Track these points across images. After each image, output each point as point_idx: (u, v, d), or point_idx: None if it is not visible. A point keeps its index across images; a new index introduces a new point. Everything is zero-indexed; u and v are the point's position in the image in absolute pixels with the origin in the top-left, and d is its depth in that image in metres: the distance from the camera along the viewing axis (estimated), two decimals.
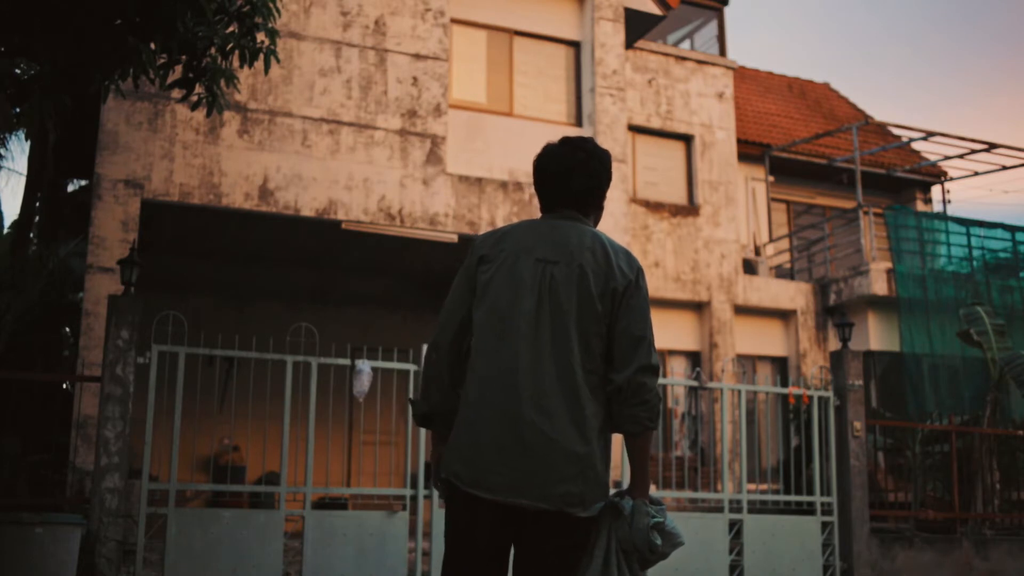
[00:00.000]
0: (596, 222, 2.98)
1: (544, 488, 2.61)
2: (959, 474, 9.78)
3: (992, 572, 9.34)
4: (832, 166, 16.77)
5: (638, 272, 2.80)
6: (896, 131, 17.91)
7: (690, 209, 14.78)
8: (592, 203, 2.94)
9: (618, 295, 2.73)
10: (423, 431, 7.46)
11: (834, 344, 14.13)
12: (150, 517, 6.77)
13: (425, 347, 7.78)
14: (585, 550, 2.72)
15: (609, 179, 2.97)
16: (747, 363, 13.84)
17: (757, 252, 16.01)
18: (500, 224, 11.12)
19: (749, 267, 15.50)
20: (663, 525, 2.74)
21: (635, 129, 14.68)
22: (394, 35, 11.20)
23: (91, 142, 10.10)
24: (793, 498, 8.64)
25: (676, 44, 16.52)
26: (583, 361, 2.69)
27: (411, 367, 7.56)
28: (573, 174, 2.89)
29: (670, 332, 14.38)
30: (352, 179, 10.61)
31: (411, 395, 7.07)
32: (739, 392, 8.57)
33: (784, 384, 13.05)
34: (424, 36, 11.33)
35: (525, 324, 2.70)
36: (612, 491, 2.84)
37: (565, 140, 2.97)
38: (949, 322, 13.89)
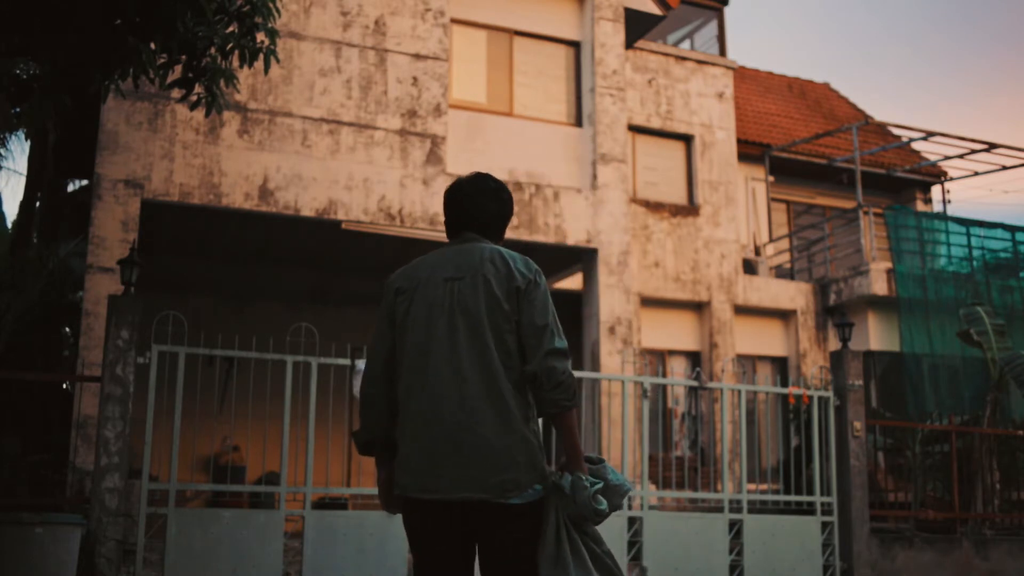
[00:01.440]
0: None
1: (480, 480, 2.85)
2: (959, 474, 9.78)
3: (992, 572, 9.34)
4: (832, 166, 16.76)
5: (536, 272, 3.06)
6: (896, 131, 17.91)
7: (690, 209, 14.78)
8: (496, 229, 3.25)
9: (521, 292, 2.98)
10: None
11: (834, 344, 14.13)
12: (150, 517, 6.77)
13: None
14: (538, 536, 2.91)
15: (511, 210, 3.30)
16: (747, 363, 13.84)
17: (757, 252, 16.01)
18: None
19: (749, 267, 15.50)
20: (605, 486, 2.93)
21: (635, 129, 14.68)
22: (394, 35, 11.20)
23: (91, 142, 10.10)
24: (793, 498, 8.64)
25: (676, 44, 16.52)
26: (500, 358, 2.94)
27: None
28: (478, 200, 3.20)
29: (670, 332, 14.39)
30: (352, 179, 10.61)
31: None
32: (739, 392, 8.57)
33: (784, 384, 13.05)
34: (424, 36, 11.33)
35: (442, 337, 2.97)
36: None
37: (474, 173, 3.30)
38: (949, 322, 13.88)
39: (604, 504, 2.90)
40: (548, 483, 2.94)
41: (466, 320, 2.95)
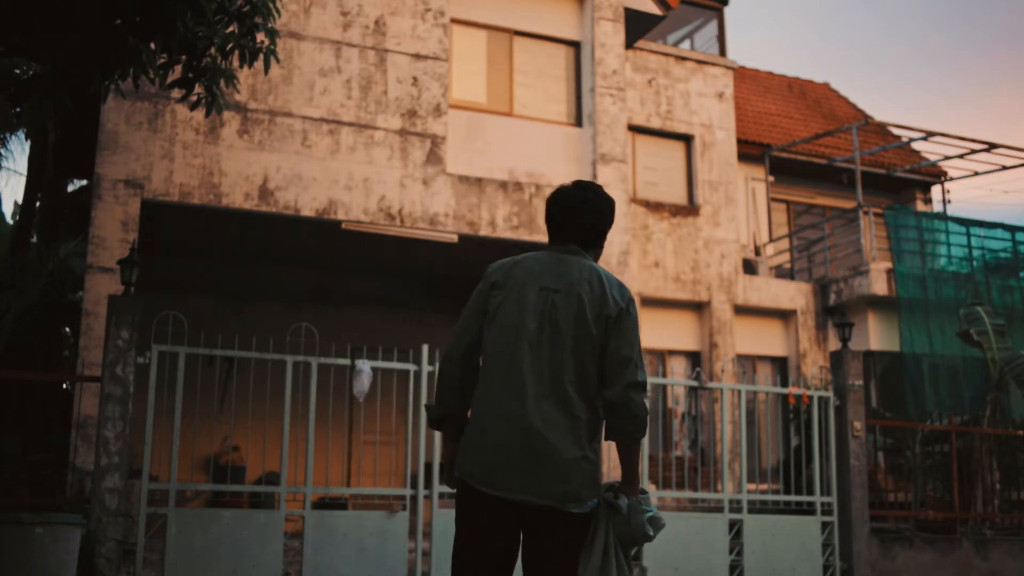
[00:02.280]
0: (596, 258, 3.31)
1: (545, 486, 2.98)
2: (959, 474, 9.78)
3: (992, 572, 9.34)
4: (832, 166, 16.76)
5: (629, 301, 3.15)
6: (896, 131, 17.90)
7: (690, 209, 14.78)
8: (594, 239, 3.29)
9: (611, 320, 3.09)
10: (423, 431, 7.51)
11: (834, 344, 14.12)
12: (150, 517, 6.77)
13: (425, 347, 7.82)
14: (583, 543, 3.08)
15: (612, 221, 3.33)
16: (747, 363, 13.84)
17: (757, 252, 16.01)
18: (500, 224, 11.13)
19: (749, 267, 15.50)
20: (653, 515, 3.15)
21: (635, 129, 14.67)
22: (394, 35, 11.20)
23: (91, 142, 10.10)
24: (793, 498, 8.65)
25: (676, 44, 16.52)
26: (577, 377, 3.06)
27: (411, 367, 7.56)
28: (580, 211, 3.25)
29: (670, 332, 14.37)
30: (352, 179, 10.61)
31: (413, 397, 7.33)
32: (739, 392, 8.57)
33: (784, 384, 13.04)
34: (424, 36, 11.33)
35: (529, 344, 3.07)
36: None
37: (577, 182, 3.34)
38: (949, 322, 13.88)
39: (652, 531, 3.12)
40: (603, 500, 3.11)
41: (553, 333, 3.07)
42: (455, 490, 3.21)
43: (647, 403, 3.10)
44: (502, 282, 3.18)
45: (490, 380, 3.11)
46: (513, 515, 3.04)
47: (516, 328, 3.09)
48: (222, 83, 6.15)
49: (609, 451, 9.44)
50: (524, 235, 11.21)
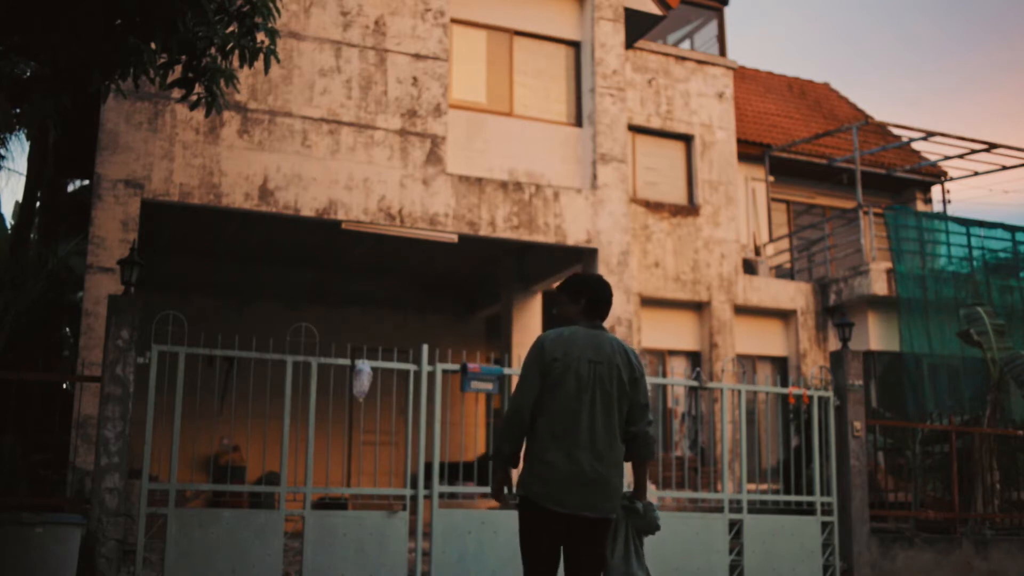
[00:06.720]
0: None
1: (597, 505, 4.25)
2: (959, 474, 9.78)
3: (992, 572, 9.34)
4: (832, 166, 16.76)
5: (643, 365, 4.55)
6: (896, 131, 17.90)
7: (690, 209, 14.78)
8: (607, 316, 4.64)
9: (635, 380, 4.43)
10: (423, 431, 7.52)
11: (834, 344, 14.13)
12: (150, 517, 6.77)
13: (425, 347, 7.84)
14: (609, 536, 4.38)
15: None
16: (747, 363, 13.83)
17: (757, 252, 16.01)
18: (500, 224, 11.13)
19: (749, 267, 15.50)
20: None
21: (635, 129, 14.67)
22: (394, 35, 11.19)
23: (91, 142, 10.10)
24: (793, 498, 8.64)
25: (676, 44, 16.52)
26: (618, 423, 4.35)
27: (411, 367, 7.56)
28: (610, 305, 4.60)
29: (670, 332, 14.38)
30: (352, 179, 10.61)
31: (413, 397, 7.25)
32: (739, 392, 8.58)
33: (784, 384, 13.04)
34: (424, 36, 11.33)
35: (585, 405, 4.28)
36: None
37: (605, 281, 4.63)
38: (949, 322, 13.88)
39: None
40: (623, 504, 4.39)
41: (602, 395, 4.31)
42: (508, 506, 4.43)
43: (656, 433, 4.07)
44: (560, 357, 4.31)
45: (558, 430, 4.24)
46: (565, 523, 4.22)
47: (577, 394, 4.27)
48: (222, 83, 6.14)
49: None
50: (524, 235, 11.21)
